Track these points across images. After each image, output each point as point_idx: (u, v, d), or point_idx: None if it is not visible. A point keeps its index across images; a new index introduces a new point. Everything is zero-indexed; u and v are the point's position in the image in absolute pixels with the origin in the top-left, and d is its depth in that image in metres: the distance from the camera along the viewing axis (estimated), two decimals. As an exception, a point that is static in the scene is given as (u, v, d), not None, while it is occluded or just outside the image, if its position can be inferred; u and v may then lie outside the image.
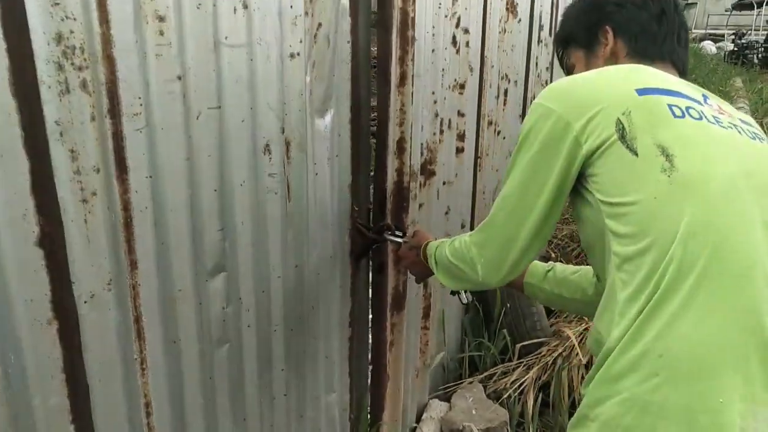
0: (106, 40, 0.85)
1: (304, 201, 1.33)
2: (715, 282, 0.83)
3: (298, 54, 1.22)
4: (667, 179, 0.87)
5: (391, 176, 1.65)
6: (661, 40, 1.10)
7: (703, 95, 1.00)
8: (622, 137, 0.90)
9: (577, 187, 0.97)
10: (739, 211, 0.87)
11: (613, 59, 1.12)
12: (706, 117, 0.94)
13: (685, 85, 1.00)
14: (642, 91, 0.93)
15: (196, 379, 1.14)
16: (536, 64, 3.16)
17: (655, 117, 0.90)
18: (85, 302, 0.91)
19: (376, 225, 1.57)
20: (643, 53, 1.10)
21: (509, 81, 2.60)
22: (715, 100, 1.02)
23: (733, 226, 0.86)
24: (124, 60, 0.88)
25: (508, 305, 2.54)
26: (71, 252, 0.87)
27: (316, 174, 1.36)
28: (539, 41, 3.15)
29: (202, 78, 1.03)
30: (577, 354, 2.35)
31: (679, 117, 0.91)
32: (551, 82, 3.18)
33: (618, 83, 0.94)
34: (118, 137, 0.90)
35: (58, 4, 0.78)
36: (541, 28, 3.14)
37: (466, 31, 1.96)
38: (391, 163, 1.64)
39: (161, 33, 0.94)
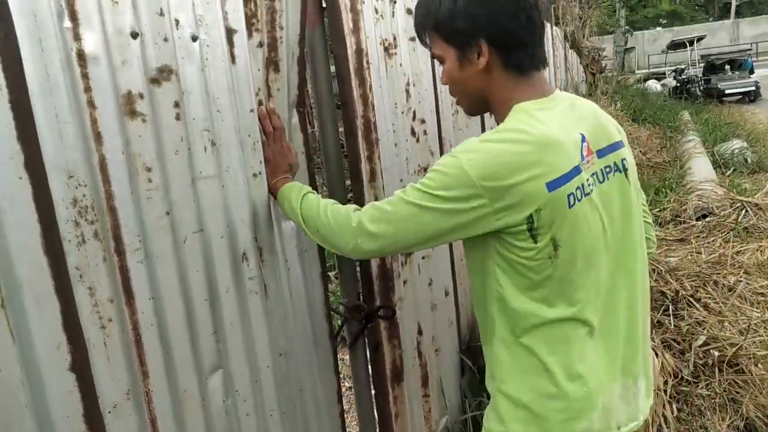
0: (109, 196, 1.06)
1: (281, 296, 1.52)
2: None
3: (260, 173, 1.45)
4: (550, 263, 1.14)
5: (374, 261, 1.87)
6: (531, 49, 1.17)
7: (581, 135, 1.17)
8: (530, 229, 1.10)
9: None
10: (594, 281, 1.19)
11: (488, 71, 1.17)
12: (584, 191, 1.14)
13: (572, 125, 1.17)
14: (552, 185, 1.08)
15: (206, 469, 1.29)
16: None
17: (556, 214, 1.10)
18: (110, 412, 1.08)
19: (352, 306, 1.77)
20: (519, 67, 1.17)
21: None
22: (589, 133, 1.19)
23: (587, 288, 1.18)
24: (123, 208, 1.09)
25: None
26: (95, 371, 1.05)
27: (288, 270, 1.56)
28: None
29: (185, 209, 1.24)
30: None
31: (572, 205, 1.12)
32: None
33: (534, 171, 1.07)
34: (124, 270, 1.10)
35: (72, 176, 0.99)
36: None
37: (423, 121, 2.24)
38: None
39: (149, 180, 1.16)
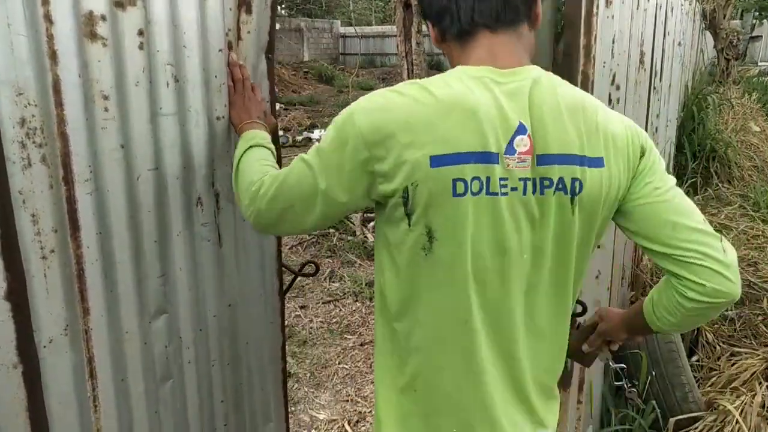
0: (61, 120, 1.00)
1: (234, 246, 1.48)
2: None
3: (224, 117, 1.39)
4: (424, 256, 0.99)
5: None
6: (457, 12, 1.03)
7: (521, 124, 0.97)
8: (404, 204, 0.96)
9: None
10: (476, 293, 1.00)
11: (444, 46, 1.09)
12: (488, 187, 0.95)
13: (516, 107, 0.97)
14: (437, 160, 0.93)
15: (143, 413, 1.26)
16: (657, 115, 3.25)
17: (434, 197, 0.94)
18: (45, 347, 1.03)
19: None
20: (456, 31, 1.05)
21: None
22: (539, 128, 0.97)
23: (469, 308, 1.01)
24: (75, 135, 1.03)
25: (654, 373, 2.35)
26: (33, 303, 1.00)
27: (244, 220, 1.52)
28: (653, 88, 3.12)
29: (142, 144, 1.18)
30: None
31: (459, 195, 0.94)
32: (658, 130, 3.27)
33: (422, 136, 0.94)
34: (71, 201, 1.04)
35: (21, 94, 0.92)
36: (655, 74, 3.12)
37: (618, 87, 2.00)
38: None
39: (106, 109, 1.10)
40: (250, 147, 1.27)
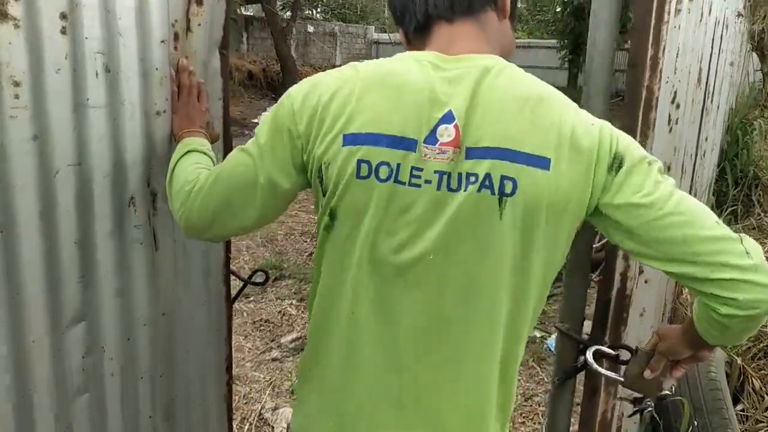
0: (-44, 104, 0.91)
1: (173, 250, 1.39)
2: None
3: (164, 111, 1.30)
4: (327, 235, 0.96)
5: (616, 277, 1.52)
6: (413, 11, 0.98)
7: (450, 112, 0.88)
8: (320, 183, 0.94)
9: None
10: (370, 284, 0.93)
11: (410, 47, 1.02)
12: (396, 175, 0.88)
13: (449, 93, 0.89)
14: (347, 138, 0.89)
15: (50, 429, 1.16)
16: (705, 138, 3.06)
17: (340, 175, 0.90)
18: (-72, 355, 0.94)
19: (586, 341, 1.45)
20: (415, 26, 0.99)
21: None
22: (471, 117, 0.88)
23: (337, 304, 0.96)
24: (-24, 123, 0.94)
25: (697, 423, 2.13)
26: None
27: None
28: (705, 109, 2.89)
29: (61, 137, 1.09)
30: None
31: (363, 178, 0.89)
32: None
33: (341, 117, 0.90)
34: (-33, 195, 0.95)
35: None
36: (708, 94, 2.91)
37: (678, 106, 1.79)
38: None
39: (16, 96, 1.00)
40: (188, 152, 1.17)
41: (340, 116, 0.90)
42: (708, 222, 0.87)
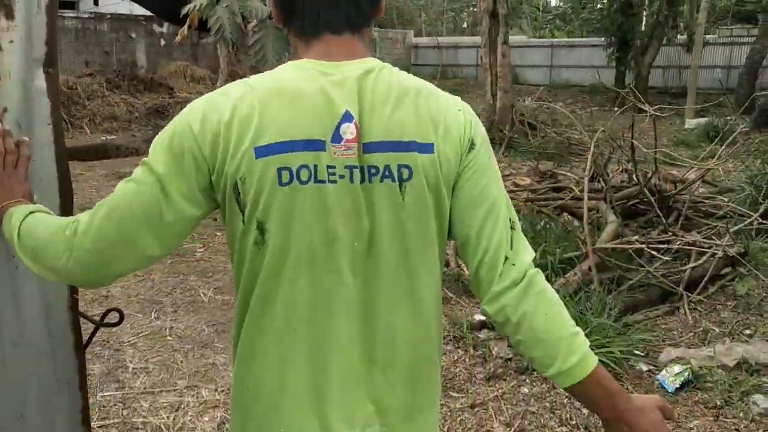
0: None
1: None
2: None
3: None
4: (258, 252, 0.98)
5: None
6: (310, 15, 1.03)
7: (347, 112, 0.97)
8: (237, 200, 0.97)
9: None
10: (309, 283, 0.99)
11: (291, 36, 1.09)
12: (315, 175, 0.96)
13: (343, 96, 0.98)
14: (260, 151, 0.94)
15: None
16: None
17: (261, 187, 0.95)
18: None
19: None
20: (301, 32, 1.06)
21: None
22: (367, 116, 0.98)
23: (294, 298, 0.99)
24: None
25: None
26: None
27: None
28: None
29: None
30: None
31: (285, 184, 0.95)
32: None
33: (246, 125, 0.95)
34: None
35: None
36: None
37: None
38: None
39: None
40: (31, 213, 1.07)
41: (247, 131, 0.94)
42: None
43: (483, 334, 3.55)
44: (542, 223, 4.91)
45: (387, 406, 1.05)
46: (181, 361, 3.28)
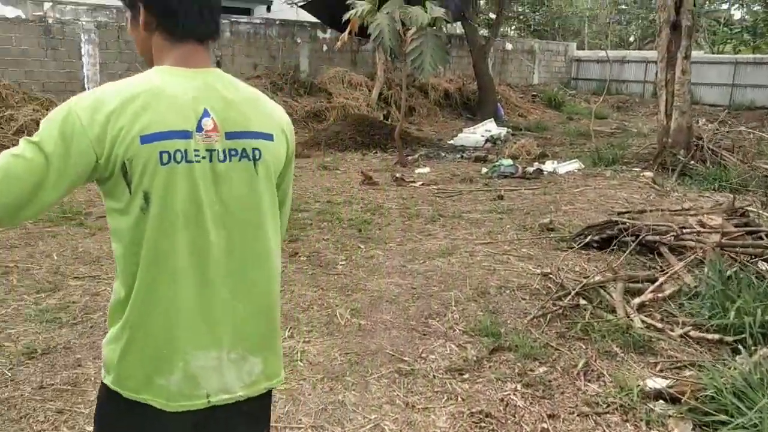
0: None
1: None
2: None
3: None
4: (143, 215, 1.24)
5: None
6: (183, 20, 1.29)
7: (205, 109, 1.28)
8: (124, 176, 1.22)
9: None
10: (185, 237, 1.27)
11: (149, 35, 1.32)
12: (186, 156, 1.25)
13: (202, 98, 1.28)
14: (144, 139, 1.21)
15: None
16: None
17: (146, 167, 1.22)
18: None
19: None
20: (169, 34, 1.31)
21: None
22: (221, 112, 1.30)
23: (175, 250, 1.27)
24: None
25: None
26: None
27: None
28: None
29: None
30: None
31: (165, 164, 1.23)
32: None
33: (135, 118, 1.21)
34: None
35: None
36: None
37: None
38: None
39: None
40: None
41: (135, 122, 1.21)
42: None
43: (659, 407, 2.93)
44: (733, 271, 4.06)
45: (246, 332, 1.36)
46: (309, 394, 3.03)
